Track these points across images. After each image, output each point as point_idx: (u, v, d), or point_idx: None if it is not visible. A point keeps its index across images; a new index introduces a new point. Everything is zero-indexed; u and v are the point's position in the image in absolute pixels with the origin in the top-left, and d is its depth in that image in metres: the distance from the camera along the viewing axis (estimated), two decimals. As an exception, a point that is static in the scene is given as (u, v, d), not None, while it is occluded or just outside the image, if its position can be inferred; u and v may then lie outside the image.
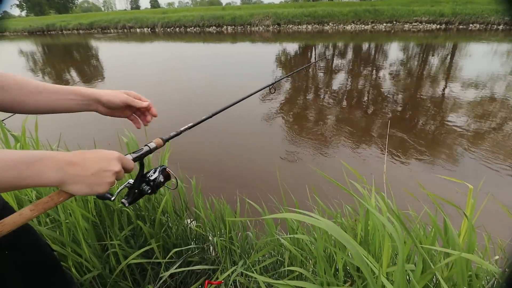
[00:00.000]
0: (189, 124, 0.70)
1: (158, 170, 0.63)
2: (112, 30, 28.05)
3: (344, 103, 5.88)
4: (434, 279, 0.94)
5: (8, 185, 0.42)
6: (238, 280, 1.36)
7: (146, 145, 0.60)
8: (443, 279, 0.65)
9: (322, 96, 6.38)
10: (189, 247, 1.39)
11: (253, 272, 1.07)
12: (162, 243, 1.37)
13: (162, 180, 0.63)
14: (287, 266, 0.95)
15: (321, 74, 8.46)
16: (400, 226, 0.58)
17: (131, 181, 0.60)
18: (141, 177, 0.60)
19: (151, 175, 0.62)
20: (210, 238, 1.58)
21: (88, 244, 1.21)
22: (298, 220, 1.08)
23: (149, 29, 26.41)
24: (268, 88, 1.15)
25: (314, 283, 0.69)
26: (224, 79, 7.72)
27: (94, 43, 19.55)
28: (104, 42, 19.95)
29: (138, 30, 26.89)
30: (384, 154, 3.61)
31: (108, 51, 15.53)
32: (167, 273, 1.23)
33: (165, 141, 0.64)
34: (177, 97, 6.18)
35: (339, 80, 7.69)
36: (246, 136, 4.28)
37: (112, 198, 0.55)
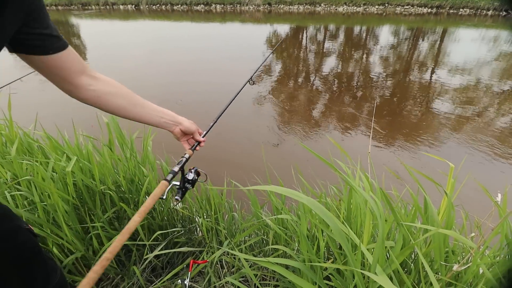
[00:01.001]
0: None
1: (193, 171, 0.87)
2: (93, 7, 26.42)
3: (334, 86, 5.87)
4: (413, 256, 0.98)
5: None
6: (224, 260, 1.38)
7: (182, 156, 0.84)
8: (421, 254, 0.67)
9: (311, 80, 6.33)
10: (174, 229, 1.38)
11: (239, 252, 1.08)
12: (147, 225, 1.36)
13: (196, 177, 0.87)
14: (272, 245, 0.95)
15: (312, 58, 8.35)
16: (381, 204, 0.58)
17: (177, 183, 0.81)
18: (184, 179, 0.84)
19: (189, 176, 0.85)
20: (196, 220, 1.58)
21: (69, 226, 1.18)
22: (282, 198, 1.08)
23: (133, 6, 25.03)
24: (248, 82, 1.24)
25: (296, 261, 0.69)
26: (211, 64, 7.50)
27: (74, 20, 18.40)
28: (85, 19, 18.81)
29: (121, 7, 25.43)
30: (369, 136, 3.66)
31: (90, 29, 14.69)
32: (152, 255, 1.23)
33: (193, 150, 0.90)
34: (162, 81, 5.97)
35: (330, 63, 7.62)
36: (234, 119, 4.23)
37: (164, 197, 0.70)
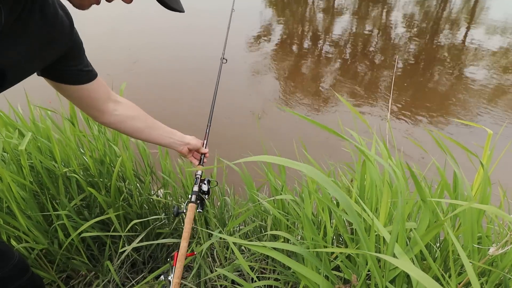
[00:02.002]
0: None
1: (205, 182, 1.10)
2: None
3: (347, 52, 5.72)
4: (438, 242, 0.97)
5: None
6: (216, 252, 1.38)
7: (196, 174, 1.10)
8: (454, 234, 0.64)
9: (320, 44, 6.16)
10: (155, 217, 1.37)
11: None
12: (123, 214, 1.34)
13: (209, 186, 1.09)
14: (270, 231, 0.94)
15: (320, 16, 8.09)
16: (401, 174, 0.54)
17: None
18: (200, 191, 1.07)
19: (204, 187, 1.08)
20: (182, 209, 1.57)
21: (27, 216, 1.16)
22: (282, 177, 1.06)
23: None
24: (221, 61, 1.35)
25: (298, 247, 0.67)
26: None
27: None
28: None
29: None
30: (388, 110, 3.61)
31: None
32: (129, 247, 1.22)
33: (202, 165, 1.16)
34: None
35: (342, 23, 7.39)
36: (229, 91, 4.14)
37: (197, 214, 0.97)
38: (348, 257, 0.74)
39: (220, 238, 1.20)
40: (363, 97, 4.08)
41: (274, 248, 0.72)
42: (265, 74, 4.78)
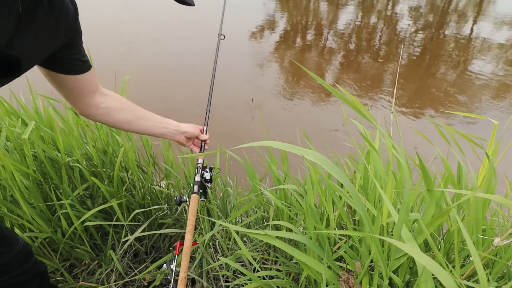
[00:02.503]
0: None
1: (208, 170, 1.09)
2: None
3: (351, 44, 5.66)
4: (441, 235, 0.96)
5: None
6: (219, 242, 1.39)
7: (197, 163, 1.09)
8: (461, 223, 0.64)
9: (324, 36, 6.09)
10: (157, 207, 1.38)
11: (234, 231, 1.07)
12: (125, 204, 1.35)
13: (211, 174, 1.09)
14: (272, 221, 0.94)
15: (324, 7, 7.99)
16: (406, 163, 0.54)
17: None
18: (203, 179, 1.08)
19: (206, 175, 1.08)
20: (185, 197, 1.57)
21: (31, 205, 1.17)
22: (285, 167, 1.05)
23: None
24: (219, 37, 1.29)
25: (301, 235, 0.67)
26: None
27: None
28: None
29: None
30: (392, 105, 3.58)
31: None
32: (132, 237, 1.23)
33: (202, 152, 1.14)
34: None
35: (346, 15, 7.30)
36: (232, 82, 4.12)
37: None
38: (351, 247, 0.74)
39: (223, 228, 1.20)
40: (366, 89, 4.04)
41: (277, 238, 0.72)
42: (267, 67, 4.74)
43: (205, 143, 1.14)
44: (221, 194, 1.53)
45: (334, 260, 0.80)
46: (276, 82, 4.30)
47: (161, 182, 1.57)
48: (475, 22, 6.73)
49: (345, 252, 0.66)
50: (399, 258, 0.54)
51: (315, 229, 0.81)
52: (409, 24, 6.58)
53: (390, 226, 0.73)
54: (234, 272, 1.26)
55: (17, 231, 1.16)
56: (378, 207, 0.82)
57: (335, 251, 0.82)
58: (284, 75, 4.54)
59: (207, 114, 1.16)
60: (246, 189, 1.58)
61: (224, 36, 1.27)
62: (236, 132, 3.17)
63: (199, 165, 1.07)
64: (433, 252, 0.64)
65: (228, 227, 1.30)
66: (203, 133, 1.13)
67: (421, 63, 4.86)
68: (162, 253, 1.47)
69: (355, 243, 0.73)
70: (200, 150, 1.12)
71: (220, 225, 1.15)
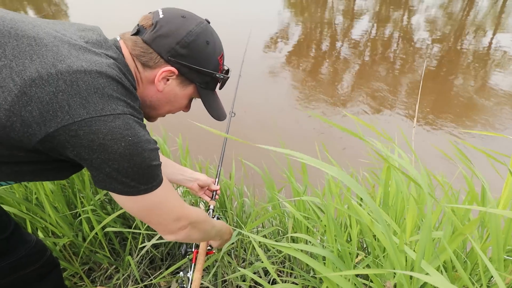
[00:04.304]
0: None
1: (215, 218, 1.14)
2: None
3: (366, 56, 5.66)
4: (464, 253, 0.95)
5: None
6: (234, 252, 1.40)
7: (208, 208, 1.16)
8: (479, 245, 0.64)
9: (338, 46, 6.12)
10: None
11: (250, 238, 1.09)
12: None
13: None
14: (291, 233, 0.95)
15: (339, 19, 8.04)
16: (427, 180, 0.55)
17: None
18: None
19: None
20: (201, 206, 1.60)
21: (55, 208, 1.22)
22: (305, 180, 1.07)
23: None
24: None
25: (324, 249, 0.68)
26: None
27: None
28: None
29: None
30: (411, 118, 3.55)
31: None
32: (149, 244, 1.25)
33: (214, 200, 1.21)
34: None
35: (361, 26, 7.32)
36: (246, 92, 4.18)
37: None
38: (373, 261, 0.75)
39: (238, 238, 1.22)
40: (382, 102, 4.03)
41: (298, 251, 0.74)
42: (280, 77, 4.79)
43: (216, 192, 1.21)
44: (235, 204, 1.55)
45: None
46: (290, 92, 4.33)
47: (178, 189, 1.61)
48: (494, 34, 6.64)
49: (367, 266, 0.66)
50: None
51: (335, 242, 0.82)
52: (425, 36, 6.55)
53: (414, 244, 0.73)
54: (244, 280, 1.27)
55: (40, 234, 1.21)
56: (400, 223, 0.83)
57: (356, 266, 0.83)
58: (298, 86, 4.57)
59: (219, 169, 1.25)
60: (262, 200, 1.59)
61: (234, 113, 1.31)
62: (252, 140, 3.20)
63: (210, 211, 1.15)
64: (457, 271, 0.64)
65: (244, 238, 1.32)
66: (214, 184, 1.21)
67: (437, 76, 4.82)
68: (177, 260, 1.49)
69: (377, 259, 0.73)
70: (212, 198, 1.21)
71: (238, 234, 1.17)
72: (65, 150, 0.57)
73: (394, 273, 0.61)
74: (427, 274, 0.50)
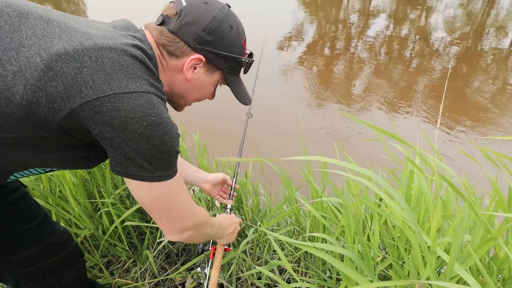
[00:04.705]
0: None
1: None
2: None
3: (382, 56, 5.58)
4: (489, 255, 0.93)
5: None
6: (248, 250, 1.41)
7: (226, 208, 1.18)
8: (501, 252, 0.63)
9: (353, 46, 6.05)
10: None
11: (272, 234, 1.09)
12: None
13: None
14: (309, 233, 0.95)
15: (355, 18, 7.94)
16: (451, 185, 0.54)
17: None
18: None
19: None
20: (216, 204, 1.62)
21: (77, 201, 1.25)
22: (324, 180, 1.07)
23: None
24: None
25: (347, 249, 0.68)
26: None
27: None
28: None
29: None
30: (430, 119, 3.48)
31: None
32: (166, 239, 1.28)
33: (231, 199, 1.21)
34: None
35: (377, 25, 7.22)
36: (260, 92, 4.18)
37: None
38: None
39: (256, 235, 1.23)
40: (398, 104, 3.96)
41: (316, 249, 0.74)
42: (294, 77, 4.77)
43: (233, 190, 1.21)
44: (250, 201, 1.56)
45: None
46: (305, 93, 4.32)
47: (193, 186, 1.63)
48: (516, 35, 6.43)
49: (389, 268, 0.66)
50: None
51: (354, 243, 0.82)
52: (443, 36, 6.40)
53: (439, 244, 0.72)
54: (259, 279, 1.27)
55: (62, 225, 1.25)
56: (423, 226, 0.82)
57: (376, 265, 0.82)
58: (313, 86, 4.54)
59: (236, 169, 1.24)
60: (278, 198, 1.60)
61: (251, 114, 1.32)
62: (271, 141, 3.19)
63: (227, 210, 1.17)
64: (482, 278, 0.63)
65: (260, 236, 1.32)
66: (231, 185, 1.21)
67: (456, 76, 4.70)
68: (193, 255, 1.51)
69: (397, 260, 0.73)
70: (229, 197, 1.21)
71: (254, 231, 1.18)
72: (88, 128, 0.57)
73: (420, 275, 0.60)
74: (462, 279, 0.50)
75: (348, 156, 1.03)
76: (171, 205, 0.70)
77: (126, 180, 0.65)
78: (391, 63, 5.20)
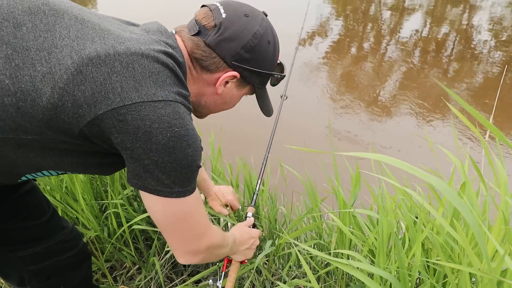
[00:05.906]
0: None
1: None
2: None
3: (415, 59, 5.50)
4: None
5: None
6: (263, 265, 1.40)
7: (247, 216, 1.22)
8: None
9: (384, 47, 5.99)
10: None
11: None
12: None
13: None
14: (334, 250, 0.94)
15: (387, 15, 7.88)
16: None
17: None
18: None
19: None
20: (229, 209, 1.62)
21: (84, 200, 1.29)
22: (356, 191, 1.05)
23: None
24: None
25: (383, 271, 0.67)
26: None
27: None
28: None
29: None
30: (455, 130, 3.40)
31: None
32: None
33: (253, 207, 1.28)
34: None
35: (411, 24, 7.13)
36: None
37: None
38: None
39: (273, 249, 1.22)
40: (434, 107, 3.89)
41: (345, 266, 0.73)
42: (313, 77, 4.76)
43: (256, 194, 1.28)
44: (266, 209, 1.55)
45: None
46: (331, 97, 4.30)
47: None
48: None
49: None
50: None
51: (388, 262, 0.80)
52: (487, 39, 6.25)
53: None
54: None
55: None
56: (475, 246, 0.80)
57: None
58: (333, 87, 4.52)
59: (258, 186, 1.30)
60: (300, 209, 1.59)
61: (287, 97, 1.36)
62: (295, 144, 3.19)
63: (248, 218, 1.21)
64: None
65: (277, 250, 1.32)
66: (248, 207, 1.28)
67: (499, 83, 4.58)
68: (200, 267, 1.52)
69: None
70: (252, 205, 1.26)
71: (272, 245, 1.17)
72: (110, 136, 0.59)
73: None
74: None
75: (386, 168, 1.01)
76: (186, 224, 0.71)
77: (141, 193, 0.67)
78: (425, 67, 5.11)
